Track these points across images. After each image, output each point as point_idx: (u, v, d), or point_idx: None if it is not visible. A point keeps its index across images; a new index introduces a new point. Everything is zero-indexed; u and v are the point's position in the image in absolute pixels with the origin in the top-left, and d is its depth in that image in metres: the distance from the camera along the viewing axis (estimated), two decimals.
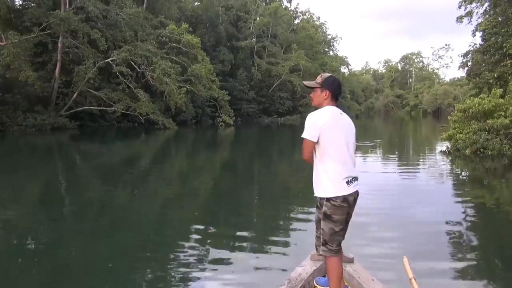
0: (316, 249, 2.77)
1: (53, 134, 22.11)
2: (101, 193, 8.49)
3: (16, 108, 22.64)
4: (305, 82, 2.93)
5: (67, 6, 25.68)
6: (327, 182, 2.66)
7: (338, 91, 2.84)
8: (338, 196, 2.62)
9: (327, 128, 2.65)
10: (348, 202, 2.66)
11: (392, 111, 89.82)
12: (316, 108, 2.80)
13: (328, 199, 2.64)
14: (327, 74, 2.91)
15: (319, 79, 2.84)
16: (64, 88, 25.98)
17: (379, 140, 23.26)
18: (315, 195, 2.75)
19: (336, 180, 2.64)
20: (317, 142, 2.67)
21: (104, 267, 4.37)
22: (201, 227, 5.88)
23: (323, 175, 2.68)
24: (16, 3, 26.78)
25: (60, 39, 25.07)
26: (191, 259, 4.48)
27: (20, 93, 22.95)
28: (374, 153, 16.35)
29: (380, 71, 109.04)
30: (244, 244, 5.01)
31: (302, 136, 2.67)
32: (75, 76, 25.32)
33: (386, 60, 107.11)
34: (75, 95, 25.57)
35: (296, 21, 59.24)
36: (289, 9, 58.18)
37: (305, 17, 63.32)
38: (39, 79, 23.41)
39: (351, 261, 3.15)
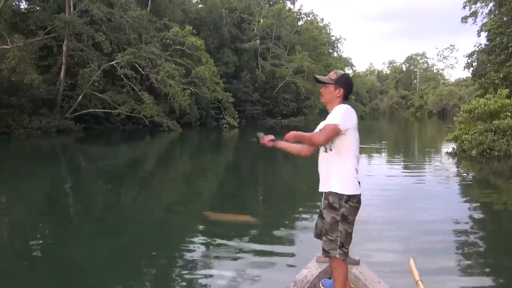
0: (328, 252, 2.66)
1: (59, 137, 22.20)
2: (106, 195, 8.51)
3: (22, 111, 22.75)
4: (318, 77, 2.84)
5: (71, 10, 25.80)
6: (347, 179, 2.62)
7: (351, 90, 2.82)
8: (355, 195, 2.61)
9: (355, 125, 2.65)
10: (360, 203, 2.66)
11: (397, 112, 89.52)
12: (324, 105, 2.78)
13: (347, 200, 2.58)
14: (341, 72, 2.86)
15: (333, 75, 2.78)
16: (69, 91, 26.09)
17: (384, 142, 23.16)
18: (332, 190, 2.62)
19: (354, 178, 2.64)
20: (342, 136, 2.61)
21: (107, 268, 4.37)
22: (205, 228, 5.87)
23: (344, 172, 2.63)
24: (22, 6, 26.95)
25: (64, 42, 25.18)
26: (195, 261, 4.47)
27: (26, 96, 23.06)
28: (379, 155, 16.27)
29: (384, 72, 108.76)
30: (248, 246, 4.97)
31: (334, 122, 2.56)
32: (80, 79, 25.42)
33: (391, 61, 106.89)
34: (80, 97, 25.67)
35: (300, 23, 59.24)
36: (293, 10, 58.23)
37: (308, 18, 63.36)
38: (44, 82, 23.52)
39: (357, 263, 3.12)
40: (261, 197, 8.73)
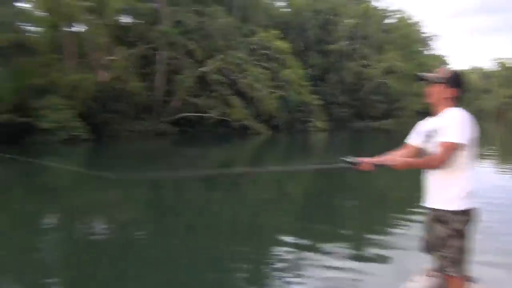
0: (444, 270, 2.38)
1: (157, 140, 23.88)
2: (200, 194, 8.87)
3: (125, 116, 24.90)
4: (424, 74, 2.51)
5: (167, 21, 27.67)
6: (461, 193, 2.34)
7: (464, 91, 2.47)
8: (468, 210, 2.35)
9: (473, 137, 2.35)
10: (474, 217, 2.39)
11: (505, 113, 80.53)
12: (421, 107, 2.45)
13: (460, 215, 2.32)
14: (451, 69, 2.54)
15: (443, 72, 2.45)
16: (165, 97, 27.99)
17: (492, 147, 20.90)
18: (443, 206, 2.37)
19: (469, 192, 2.36)
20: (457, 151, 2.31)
21: (197, 265, 4.47)
22: (292, 236, 5.66)
23: (456, 186, 2.35)
24: (123, 20, 29.43)
25: (161, 52, 27.09)
26: (281, 271, 4.30)
27: (128, 102, 25.18)
28: (487, 162, 14.62)
29: (489, 70, 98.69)
30: (340, 256, 4.66)
31: (451, 139, 2.26)
32: (175, 85, 27.12)
33: (496, 58, 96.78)
34: (175, 103, 27.38)
35: (388, 21, 56.45)
36: (380, 9, 55.66)
37: (397, 16, 60.03)
38: (144, 89, 25.55)
39: (472, 280, 2.75)
40: (352, 204, 8.32)
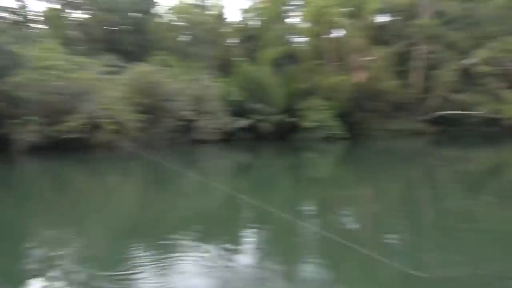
0: None
1: (412, 139, 22.89)
2: (458, 200, 7.91)
3: (380, 115, 24.83)
4: None
5: (426, 13, 25.94)
6: None
7: None
8: None
9: None
10: None
11: None
12: None
13: None
14: None
15: None
16: (423, 94, 26.30)
17: None
18: None
19: None
20: None
21: None
22: None
23: None
24: (379, 19, 29.29)
25: (419, 47, 25.63)
26: None
27: (383, 101, 24.97)
28: None
29: None
30: None
31: None
32: (434, 81, 25.14)
33: None
34: (433, 100, 25.40)
35: None
36: None
37: None
38: (399, 87, 24.81)
39: None
40: None
